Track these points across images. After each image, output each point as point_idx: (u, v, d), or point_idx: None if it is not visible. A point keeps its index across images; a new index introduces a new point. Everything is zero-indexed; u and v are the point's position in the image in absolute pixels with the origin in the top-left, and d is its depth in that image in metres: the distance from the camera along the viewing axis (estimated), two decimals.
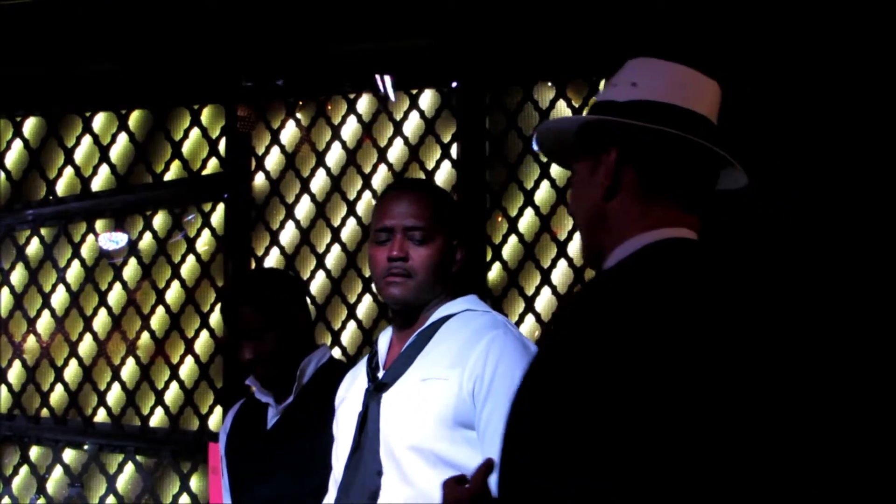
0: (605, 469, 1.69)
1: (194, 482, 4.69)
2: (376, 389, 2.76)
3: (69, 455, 4.88)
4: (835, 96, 3.52)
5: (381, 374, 2.79)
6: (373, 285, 4.50)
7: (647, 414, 1.71)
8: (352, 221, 4.58)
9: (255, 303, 3.35)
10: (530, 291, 4.34)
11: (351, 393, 2.88)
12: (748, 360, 1.77)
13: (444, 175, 4.47)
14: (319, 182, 4.64)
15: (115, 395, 4.81)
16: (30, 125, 5.01)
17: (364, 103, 4.61)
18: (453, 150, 4.47)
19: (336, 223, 4.59)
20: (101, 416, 4.83)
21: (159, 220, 4.82)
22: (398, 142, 4.55)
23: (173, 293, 4.77)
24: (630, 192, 1.93)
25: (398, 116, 4.55)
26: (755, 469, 1.72)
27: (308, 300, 3.71)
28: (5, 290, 4.98)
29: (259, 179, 4.70)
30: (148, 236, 4.82)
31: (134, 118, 4.87)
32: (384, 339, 2.88)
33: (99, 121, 4.92)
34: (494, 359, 2.66)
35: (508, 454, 1.86)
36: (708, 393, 1.72)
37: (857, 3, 3.57)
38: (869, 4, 3.54)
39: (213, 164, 4.76)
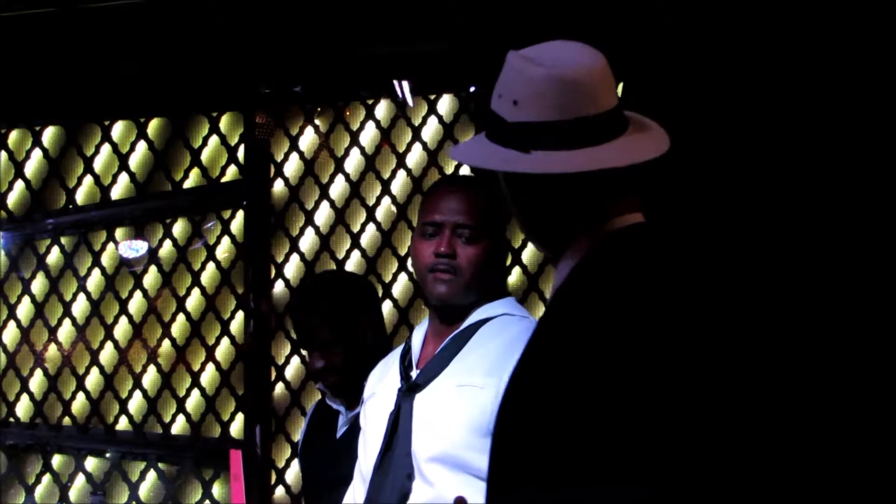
0: (630, 471, 1.66)
1: (216, 489, 4.69)
2: (409, 390, 2.70)
3: (91, 463, 4.89)
4: (835, 96, 3.52)
5: (414, 374, 2.73)
6: (393, 290, 4.53)
7: (658, 408, 1.70)
8: (371, 227, 4.58)
9: (325, 317, 3.24)
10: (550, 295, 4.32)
11: (381, 388, 2.81)
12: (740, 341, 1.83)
13: None
14: (338, 188, 4.64)
15: (136, 403, 4.82)
16: (49, 134, 5.02)
17: (382, 109, 4.61)
18: None
19: (355, 229, 4.59)
20: (122, 423, 4.83)
21: (179, 228, 4.83)
22: (417, 147, 4.54)
23: (193, 301, 4.78)
24: (567, 205, 1.96)
25: (416, 122, 4.55)
26: (771, 459, 1.77)
27: (380, 304, 3.59)
28: (26, 298, 5.00)
29: (278, 186, 4.70)
30: (168, 244, 4.82)
31: (153, 126, 4.88)
32: (418, 334, 2.81)
33: (118, 129, 4.92)
34: None
35: (501, 461, 1.82)
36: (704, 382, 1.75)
37: (857, 3, 3.56)
38: (870, 4, 3.54)
39: (231, 172, 4.76)
